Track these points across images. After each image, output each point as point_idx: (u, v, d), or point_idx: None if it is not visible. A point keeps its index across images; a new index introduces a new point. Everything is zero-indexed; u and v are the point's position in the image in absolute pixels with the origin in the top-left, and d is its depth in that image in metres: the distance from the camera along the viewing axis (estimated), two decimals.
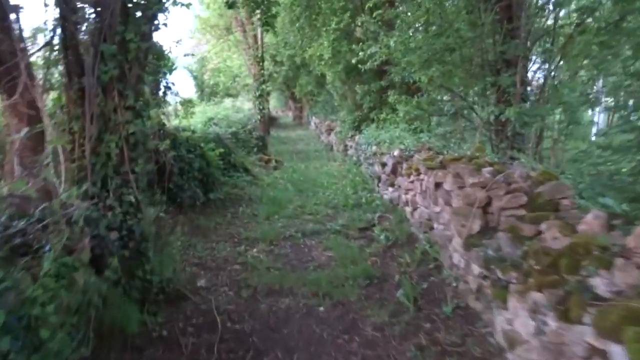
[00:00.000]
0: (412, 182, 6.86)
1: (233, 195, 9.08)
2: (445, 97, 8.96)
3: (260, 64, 15.65)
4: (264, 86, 15.54)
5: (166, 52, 7.80)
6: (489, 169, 5.17)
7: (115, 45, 4.21)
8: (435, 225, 5.85)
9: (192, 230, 7.07)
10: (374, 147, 10.26)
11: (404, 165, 7.48)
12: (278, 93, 36.32)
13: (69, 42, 4.27)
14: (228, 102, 19.75)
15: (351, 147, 14.04)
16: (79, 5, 4.25)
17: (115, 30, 4.22)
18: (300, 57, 15.05)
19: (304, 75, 20.65)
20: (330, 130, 18.79)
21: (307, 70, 20.32)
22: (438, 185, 5.78)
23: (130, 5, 4.29)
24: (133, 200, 4.55)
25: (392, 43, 7.71)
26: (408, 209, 7.11)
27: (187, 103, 8.28)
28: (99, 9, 4.21)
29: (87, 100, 4.23)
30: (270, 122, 29.63)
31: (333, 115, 19.05)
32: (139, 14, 4.32)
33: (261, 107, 15.63)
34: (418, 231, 6.52)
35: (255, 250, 6.37)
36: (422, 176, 6.44)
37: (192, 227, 7.20)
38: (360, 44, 9.66)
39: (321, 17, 13.08)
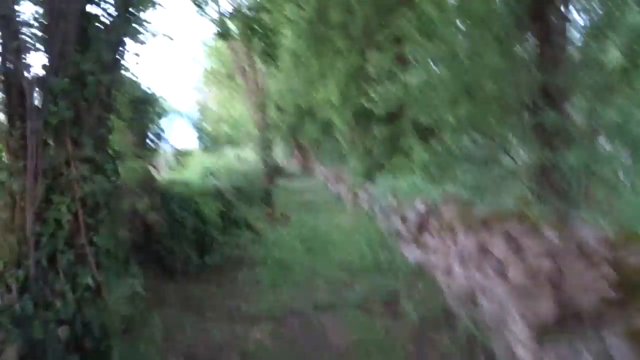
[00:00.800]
0: (444, 242, 5.71)
1: (233, 257, 7.91)
2: (471, 142, 7.88)
3: (263, 111, 14.84)
4: (268, 135, 14.67)
5: (153, 94, 6.89)
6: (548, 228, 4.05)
7: (68, 79, 3.19)
8: (482, 302, 4.64)
9: (182, 303, 5.88)
10: (391, 199, 9.15)
11: (433, 222, 6.34)
12: (283, 143, 35.67)
13: (9, 76, 3.26)
14: (231, 152, 18.93)
15: (363, 197, 12.93)
16: (23, 29, 3.27)
17: (69, 60, 3.21)
18: (306, 103, 14.23)
19: (309, 123, 19.86)
20: (339, 179, 17.75)
21: (312, 118, 19.53)
22: (483, 248, 4.64)
23: (88, 28, 3.30)
24: (91, 282, 3.40)
25: (412, 79, 6.73)
26: (441, 276, 5.91)
27: (180, 154, 7.29)
28: (48, 34, 3.23)
29: (31, 150, 3.17)
30: (276, 172, 28.80)
31: (341, 163, 18.05)
32: (100, 38, 3.32)
33: (265, 157, 14.68)
34: (457, 306, 5.29)
35: (257, 332, 5.15)
36: (458, 236, 5.29)
37: (182, 299, 6.00)
38: (374, 84, 8.76)
39: (327, 58, 12.29)
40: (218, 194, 9.26)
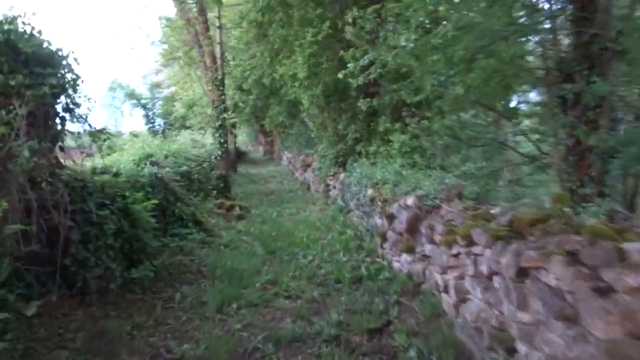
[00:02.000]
0: (456, 255, 4.19)
1: (173, 267, 6.21)
2: (480, 118, 6.32)
3: (220, 88, 12.92)
4: (225, 115, 12.79)
5: (58, 52, 5.06)
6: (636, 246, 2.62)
7: None
8: (523, 348, 3.15)
9: (87, 342, 4.18)
10: (370, 191, 7.60)
11: (430, 222, 4.81)
12: (247, 126, 33.64)
13: None
14: (185, 135, 16.93)
15: (334, 187, 11.35)
16: None
17: None
18: (269, 79, 12.47)
19: (274, 104, 18.07)
20: (306, 166, 16.10)
21: (277, 100, 17.73)
22: (524, 272, 3.15)
23: None
24: None
25: (403, 41, 5.15)
26: (447, 298, 4.42)
27: (97, 134, 5.48)
28: None
29: None
30: (238, 157, 26.85)
31: (309, 149, 16.41)
32: None
33: (222, 140, 12.83)
34: (472, 343, 3.81)
35: None
36: (477, 249, 3.78)
37: (88, 335, 4.30)
38: (352, 50, 7.11)
39: (293, 28, 10.58)
40: (158, 185, 7.50)
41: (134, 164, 7.67)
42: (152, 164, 7.90)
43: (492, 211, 4.38)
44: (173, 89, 20.38)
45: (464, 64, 4.41)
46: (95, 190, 5.56)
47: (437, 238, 4.53)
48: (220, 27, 13.17)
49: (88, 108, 5.72)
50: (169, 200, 7.69)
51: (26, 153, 4.28)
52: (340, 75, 7.39)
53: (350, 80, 7.06)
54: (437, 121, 6.60)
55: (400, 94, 6.40)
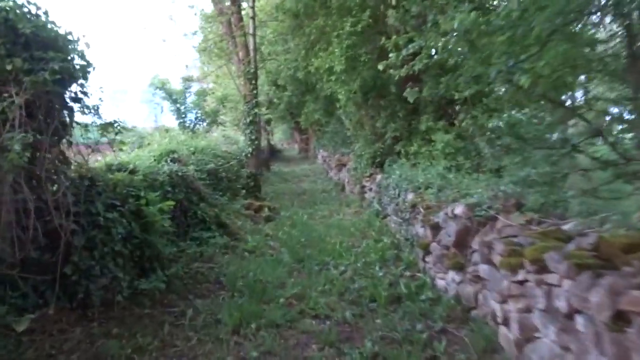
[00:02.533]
0: (521, 283, 3.39)
1: (189, 276, 5.60)
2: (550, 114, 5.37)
3: (253, 82, 12.28)
4: (256, 110, 12.17)
5: (65, 36, 4.53)
6: None
7: None
8: None
9: None
10: (411, 195, 6.83)
11: (498, 246, 3.97)
12: (283, 124, 33.16)
13: None
14: (219, 131, 16.45)
15: (370, 189, 10.58)
16: None
17: None
18: (304, 73, 11.76)
19: (310, 101, 17.41)
20: (341, 165, 15.36)
21: (313, 96, 17.05)
22: (623, 316, 2.36)
23: None
24: None
25: (457, 23, 4.34)
26: (507, 333, 3.62)
27: (106, 127, 4.92)
28: None
29: None
30: (273, 155, 26.37)
31: (344, 147, 15.66)
32: None
33: (253, 137, 12.21)
34: None
35: None
36: (552, 278, 2.98)
37: (87, 357, 3.73)
38: (394, 37, 6.33)
39: (331, 18, 9.86)
40: (180, 184, 6.93)
41: (154, 160, 7.12)
42: (174, 160, 7.35)
43: (563, 227, 3.58)
44: (205, 83, 19.93)
45: (537, 46, 3.59)
46: (106, 189, 5.01)
47: (496, 259, 3.72)
48: (253, 18, 12.56)
49: (100, 98, 5.22)
50: (191, 201, 7.12)
51: (17, 147, 3.73)
52: (380, 67, 6.61)
53: (391, 71, 6.27)
54: (497, 117, 5.75)
55: (447, 87, 5.56)
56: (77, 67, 4.82)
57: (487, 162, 6.66)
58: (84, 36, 4.81)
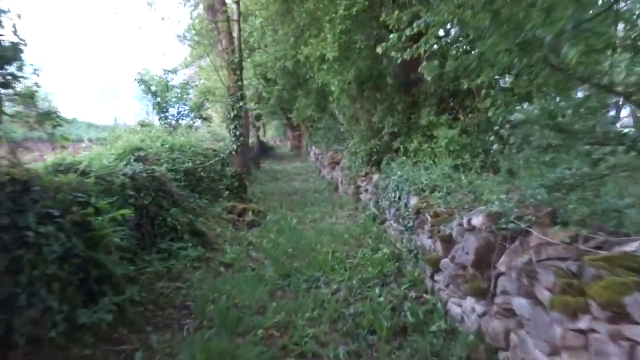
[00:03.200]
0: (583, 332, 2.46)
1: (150, 299, 4.63)
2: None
3: (237, 72, 11.22)
4: (241, 103, 11.12)
5: None
6: None
7: None
8: None
9: None
10: (415, 199, 5.90)
11: (546, 277, 3.04)
12: (274, 120, 32.11)
13: None
14: (203, 127, 15.41)
15: (366, 190, 9.64)
16: None
17: None
18: (292, 62, 10.75)
19: (302, 96, 16.40)
20: (334, 163, 14.39)
21: (305, 91, 16.04)
22: None
23: None
24: None
25: None
26: None
27: (44, 117, 3.96)
28: None
29: None
30: (264, 152, 25.38)
31: (338, 144, 14.69)
32: None
33: (238, 133, 11.15)
34: None
35: None
36: (637, 330, 2.05)
37: None
38: (396, 12, 5.38)
39: (322, 1, 8.90)
40: (147, 186, 5.95)
41: (116, 159, 6.14)
42: (138, 159, 6.36)
43: (627, 249, 2.67)
44: (188, 75, 18.88)
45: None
46: (44, 196, 4.04)
47: (543, 294, 2.78)
48: (238, 3, 11.52)
49: (36, 83, 4.24)
50: (160, 206, 6.15)
51: None
52: (379, 50, 5.66)
53: (392, 54, 5.32)
54: (519, 108, 4.81)
55: (465, 68, 4.60)
56: (7, 45, 3.88)
57: (502, 160, 5.72)
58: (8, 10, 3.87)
